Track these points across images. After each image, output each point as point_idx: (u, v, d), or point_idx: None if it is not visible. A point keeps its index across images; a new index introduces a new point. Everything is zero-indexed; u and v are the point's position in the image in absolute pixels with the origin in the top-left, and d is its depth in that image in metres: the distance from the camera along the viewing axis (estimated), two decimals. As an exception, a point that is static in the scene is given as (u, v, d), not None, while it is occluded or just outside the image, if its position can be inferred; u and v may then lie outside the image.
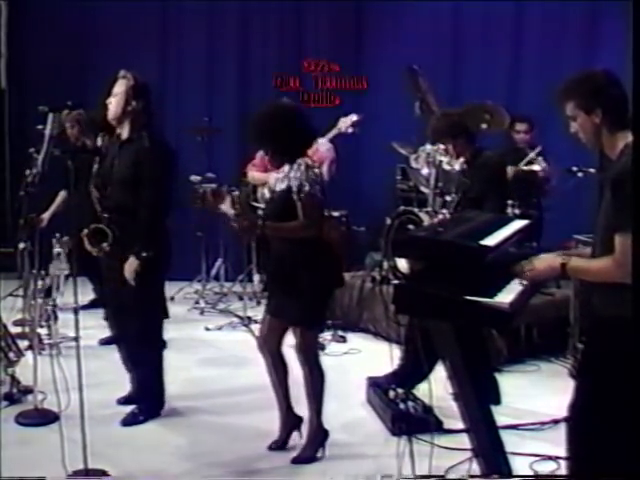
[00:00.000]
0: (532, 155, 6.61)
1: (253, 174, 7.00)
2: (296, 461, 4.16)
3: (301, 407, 4.27)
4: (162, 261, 4.53)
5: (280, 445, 4.31)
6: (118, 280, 4.45)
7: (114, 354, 4.88)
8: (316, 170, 4.10)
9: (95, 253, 4.45)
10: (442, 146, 5.41)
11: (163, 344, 4.75)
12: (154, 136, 4.50)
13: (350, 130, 6.63)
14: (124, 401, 4.86)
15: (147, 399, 4.76)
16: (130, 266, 4.37)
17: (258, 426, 4.47)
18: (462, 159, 4.98)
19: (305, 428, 4.28)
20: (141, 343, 4.62)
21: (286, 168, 4.14)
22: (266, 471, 4.11)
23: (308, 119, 4.21)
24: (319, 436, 4.21)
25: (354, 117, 6.62)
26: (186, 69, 8.78)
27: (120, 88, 4.50)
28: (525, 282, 3.01)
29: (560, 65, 7.31)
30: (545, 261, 3.02)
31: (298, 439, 4.31)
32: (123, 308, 4.62)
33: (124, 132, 4.53)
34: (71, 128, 6.40)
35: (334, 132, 6.72)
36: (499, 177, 5.15)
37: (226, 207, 4.74)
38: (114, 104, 4.51)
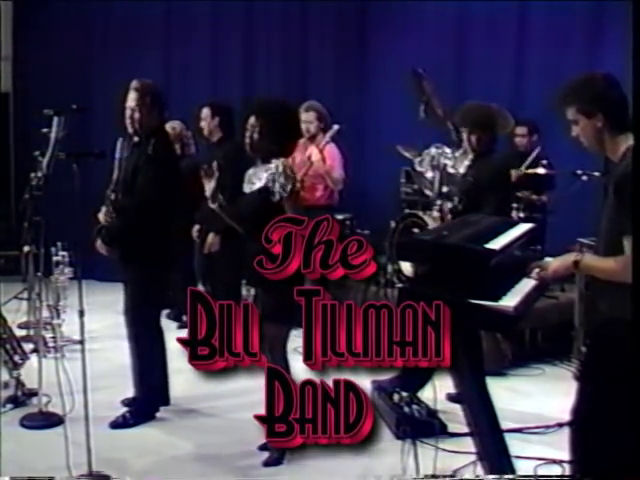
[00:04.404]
0: (530, 158, 6.58)
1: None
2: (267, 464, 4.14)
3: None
4: (156, 264, 4.57)
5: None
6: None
7: (118, 357, 4.88)
8: (292, 169, 4.16)
9: (106, 253, 4.65)
10: (447, 149, 5.39)
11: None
12: (159, 143, 4.59)
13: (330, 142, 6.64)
14: (128, 403, 4.85)
15: (138, 403, 4.75)
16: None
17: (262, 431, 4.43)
18: (465, 160, 4.96)
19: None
20: (136, 344, 4.67)
21: (257, 166, 4.18)
22: (269, 473, 4.10)
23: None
24: None
25: (336, 127, 6.62)
26: (190, 72, 8.79)
27: (134, 101, 4.61)
28: (539, 281, 3.06)
29: (565, 67, 7.29)
30: (558, 260, 3.06)
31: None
32: (125, 308, 4.72)
33: (136, 137, 4.66)
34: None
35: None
36: (504, 179, 5.11)
37: None
38: (131, 117, 4.61)
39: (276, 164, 4.05)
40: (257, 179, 4.14)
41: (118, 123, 4.74)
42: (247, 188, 4.21)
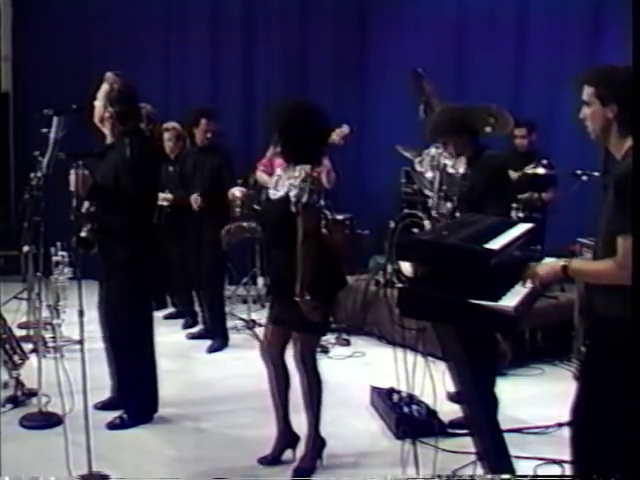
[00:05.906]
0: (533, 165, 6.57)
1: (261, 175, 6.88)
2: (296, 473, 4.04)
3: (301, 414, 4.18)
4: (143, 262, 4.54)
5: (271, 461, 4.17)
6: (104, 281, 4.65)
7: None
8: (315, 178, 3.90)
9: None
10: (443, 150, 5.35)
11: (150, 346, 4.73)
12: (133, 145, 4.43)
13: (342, 142, 6.54)
14: (101, 406, 4.77)
15: (136, 404, 4.70)
16: None
17: (259, 433, 4.42)
18: (463, 159, 4.91)
19: (303, 436, 4.16)
20: (128, 345, 4.62)
21: (278, 172, 4.07)
22: (267, 474, 4.08)
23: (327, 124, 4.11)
24: (317, 445, 4.11)
25: (346, 129, 6.56)
26: (190, 71, 8.80)
27: (102, 92, 4.53)
28: (530, 286, 3.03)
29: (565, 67, 7.30)
30: (547, 266, 3.04)
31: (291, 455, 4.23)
32: (110, 309, 4.67)
33: (108, 137, 4.58)
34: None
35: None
36: (501, 178, 5.02)
37: None
38: (96, 108, 4.54)
39: (299, 171, 3.84)
40: (282, 186, 3.94)
41: (88, 121, 4.59)
42: (273, 194, 4.01)
